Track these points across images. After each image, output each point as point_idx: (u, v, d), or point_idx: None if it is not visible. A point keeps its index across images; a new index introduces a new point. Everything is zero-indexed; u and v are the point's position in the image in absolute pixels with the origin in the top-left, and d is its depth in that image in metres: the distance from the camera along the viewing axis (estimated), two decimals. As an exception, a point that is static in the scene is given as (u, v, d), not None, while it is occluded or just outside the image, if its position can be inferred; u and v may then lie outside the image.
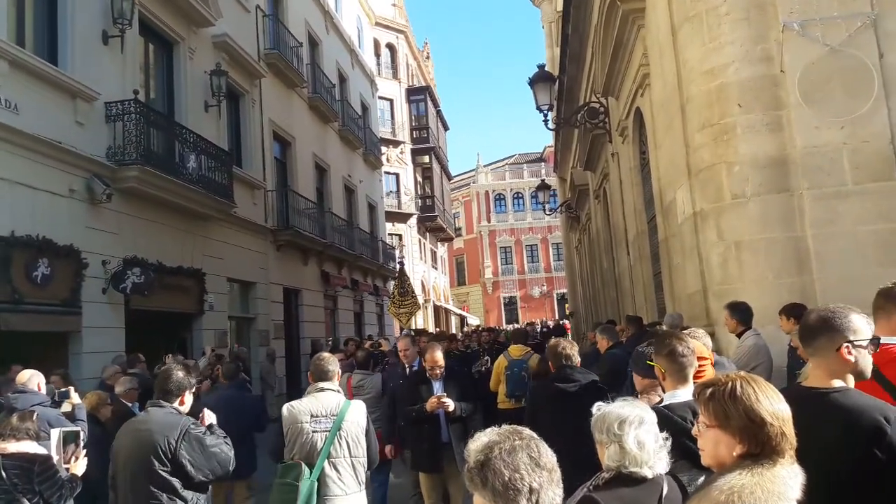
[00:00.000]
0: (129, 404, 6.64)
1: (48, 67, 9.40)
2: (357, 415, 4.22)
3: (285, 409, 4.20)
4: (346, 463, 4.10)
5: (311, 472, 3.96)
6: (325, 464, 4.02)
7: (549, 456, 1.48)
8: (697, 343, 3.33)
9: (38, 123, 9.06)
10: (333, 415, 4.11)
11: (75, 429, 4.24)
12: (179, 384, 3.81)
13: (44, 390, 5.75)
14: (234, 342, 14.62)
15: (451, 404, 5.36)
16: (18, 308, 8.47)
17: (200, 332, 13.04)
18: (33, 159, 8.98)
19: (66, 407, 5.81)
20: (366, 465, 4.25)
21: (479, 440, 1.50)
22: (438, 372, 5.59)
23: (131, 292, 10.37)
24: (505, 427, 1.54)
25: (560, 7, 16.08)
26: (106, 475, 6.20)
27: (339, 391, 4.30)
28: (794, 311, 4.63)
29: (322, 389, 4.23)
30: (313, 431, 4.05)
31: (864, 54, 5.49)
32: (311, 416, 4.09)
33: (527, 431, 1.53)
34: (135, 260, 10.71)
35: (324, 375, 4.30)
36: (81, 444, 4.19)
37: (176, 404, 3.78)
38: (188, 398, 3.89)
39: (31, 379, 5.69)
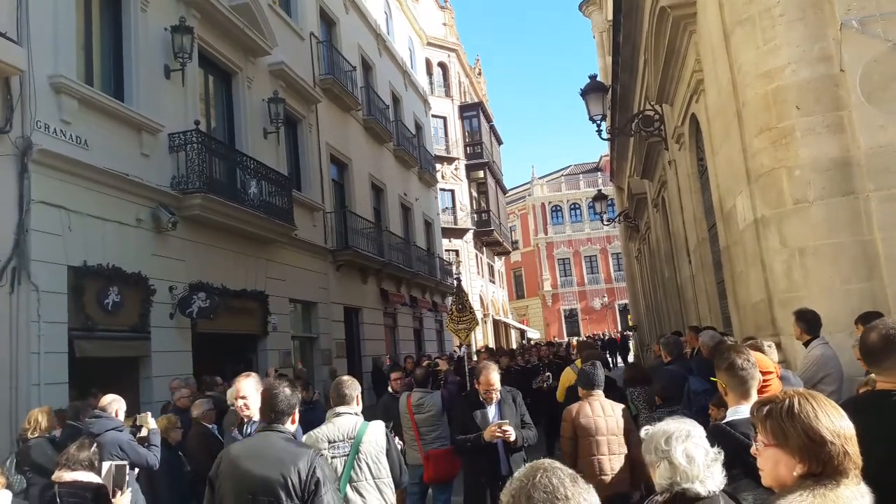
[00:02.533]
0: (210, 426, 6.82)
1: (115, 103, 9.83)
2: (375, 434, 4.12)
3: (305, 438, 4.13)
4: (369, 486, 4.01)
5: None
6: (348, 489, 3.95)
7: (565, 487, 1.45)
8: (760, 355, 3.23)
9: (107, 157, 9.46)
10: (351, 438, 4.03)
11: (123, 463, 4.33)
12: (290, 403, 3.46)
13: (121, 416, 5.94)
14: (298, 362, 14.87)
15: (512, 433, 4.87)
16: (91, 335, 8.82)
17: (265, 353, 13.31)
18: (102, 192, 9.37)
19: (143, 432, 6.01)
20: (392, 487, 4.12)
21: (505, 489, 1.51)
22: (494, 395, 5.14)
23: (197, 316, 10.67)
24: (524, 468, 1.54)
25: (610, 16, 15.96)
26: (176, 497, 6.39)
27: (357, 414, 4.21)
28: (870, 320, 4.44)
29: (339, 414, 4.16)
30: (332, 457, 3.96)
31: (929, 49, 5.27)
32: (329, 442, 4.03)
33: (542, 465, 1.52)
34: (200, 285, 11.03)
35: (342, 399, 4.21)
36: (127, 478, 4.26)
37: (289, 425, 3.46)
38: (296, 418, 3.55)
39: (111, 404, 5.87)
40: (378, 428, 4.19)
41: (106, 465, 4.16)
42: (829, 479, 1.59)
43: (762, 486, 2.13)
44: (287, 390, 3.46)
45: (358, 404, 4.28)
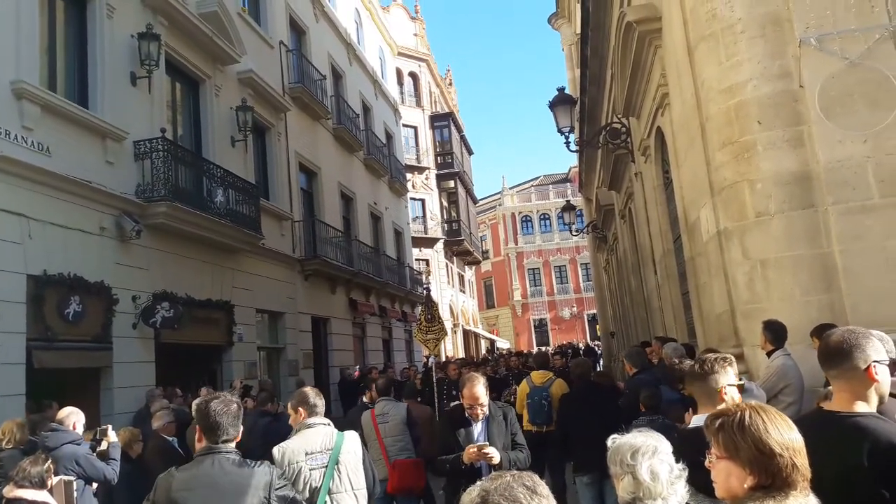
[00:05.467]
0: (170, 438, 6.69)
1: (78, 110, 9.66)
2: (353, 444, 4.13)
3: (276, 451, 3.99)
4: (348, 497, 3.99)
5: None
6: (327, 500, 3.92)
7: (544, 486, 1.51)
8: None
9: (70, 164, 9.29)
10: (329, 449, 4.00)
11: (70, 479, 4.30)
12: (238, 418, 3.18)
13: (80, 429, 5.81)
14: (264, 373, 14.70)
15: (495, 455, 4.18)
16: (51, 346, 8.61)
17: (230, 364, 13.13)
18: (65, 199, 9.20)
19: (102, 445, 5.89)
20: (366, 497, 4.10)
21: (473, 488, 1.51)
22: (480, 412, 4.46)
23: (161, 326, 10.50)
24: (497, 472, 1.58)
25: (579, 30, 16.14)
26: (136, 510, 6.23)
27: (329, 424, 4.16)
28: (824, 332, 4.52)
29: (311, 426, 4.12)
30: (311, 469, 3.91)
31: (884, 66, 5.41)
32: (306, 454, 3.97)
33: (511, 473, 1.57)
34: (164, 294, 10.85)
35: (312, 410, 4.16)
36: (76, 494, 4.22)
37: (233, 444, 3.20)
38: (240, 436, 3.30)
39: (69, 417, 5.76)
40: (355, 438, 4.21)
41: (56, 479, 4.08)
42: (779, 490, 1.62)
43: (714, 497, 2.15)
44: (234, 405, 3.17)
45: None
